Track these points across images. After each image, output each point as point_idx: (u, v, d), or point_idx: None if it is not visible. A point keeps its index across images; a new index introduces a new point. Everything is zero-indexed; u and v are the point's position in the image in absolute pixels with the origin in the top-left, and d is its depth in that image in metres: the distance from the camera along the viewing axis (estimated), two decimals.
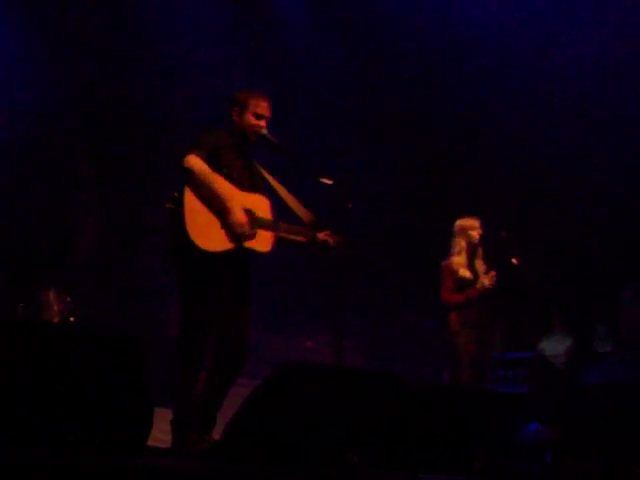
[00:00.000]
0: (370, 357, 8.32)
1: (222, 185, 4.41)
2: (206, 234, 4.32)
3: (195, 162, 4.34)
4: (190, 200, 4.32)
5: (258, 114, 4.58)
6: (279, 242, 4.62)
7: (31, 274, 6.87)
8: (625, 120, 8.26)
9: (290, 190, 4.74)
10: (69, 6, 7.79)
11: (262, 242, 4.51)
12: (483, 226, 6.41)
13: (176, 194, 4.33)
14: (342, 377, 3.93)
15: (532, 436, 6.39)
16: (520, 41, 8.34)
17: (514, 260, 6.23)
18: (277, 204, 4.66)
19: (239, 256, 4.47)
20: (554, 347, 8.08)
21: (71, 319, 6.20)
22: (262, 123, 4.59)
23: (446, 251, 6.45)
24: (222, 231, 4.38)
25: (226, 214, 4.37)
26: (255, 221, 4.50)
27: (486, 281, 6.20)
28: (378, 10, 8.63)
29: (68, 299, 6.25)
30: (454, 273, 6.32)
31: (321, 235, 4.69)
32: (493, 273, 6.25)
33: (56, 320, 6.04)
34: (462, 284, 6.29)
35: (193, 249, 4.29)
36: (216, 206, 4.37)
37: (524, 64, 8.53)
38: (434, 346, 7.43)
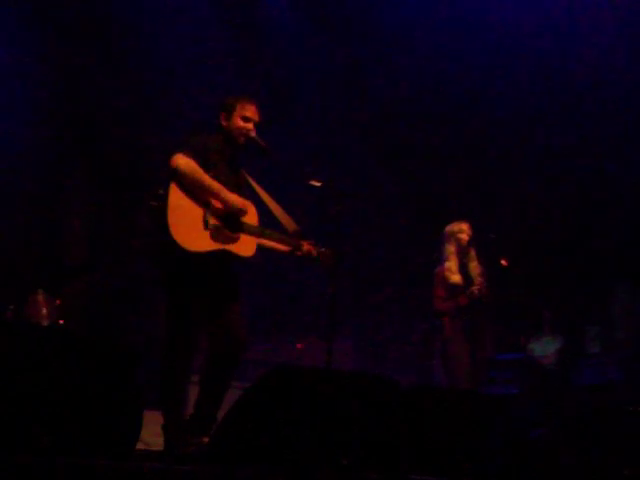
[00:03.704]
0: (361, 360, 8.32)
1: (211, 180, 4.37)
2: (189, 234, 4.25)
3: (182, 160, 4.30)
4: (175, 197, 4.24)
5: (246, 117, 4.57)
6: (260, 250, 4.58)
7: (21, 276, 6.85)
8: (620, 121, 8.28)
9: (279, 193, 4.73)
10: (63, 7, 7.79)
11: (245, 247, 4.46)
12: (472, 229, 6.42)
13: (161, 191, 4.25)
14: (331, 380, 3.93)
15: (540, 439, 6.40)
16: (513, 39, 8.35)
17: (503, 262, 6.25)
18: (262, 213, 4.62)
19: (222, 258, 4.41)
20: (544, 348, 8.09)
21: (60, 322, 6.18)
22: (250, 126, 4.58)
23: (439, 257, 6.47)
24: (205, 232, 4.33)
25: (223, 200, 4.36)
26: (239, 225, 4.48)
27: (475, 290, 6.23)
28: (373, 8, 8.65)
29: (57, 302, 6.23)
30: (446, 281, 6.34)
31: (305, 245, 4.67)
32: (483, 280, 6.26)
33: (45, 323, 6.03)
34: (454, 290, 6.31)
35: (175, 248, 4.20)
36: (204, 199, 4.33)
37: (518, 63, 8.54)
38: (425, 349, 7.44)
